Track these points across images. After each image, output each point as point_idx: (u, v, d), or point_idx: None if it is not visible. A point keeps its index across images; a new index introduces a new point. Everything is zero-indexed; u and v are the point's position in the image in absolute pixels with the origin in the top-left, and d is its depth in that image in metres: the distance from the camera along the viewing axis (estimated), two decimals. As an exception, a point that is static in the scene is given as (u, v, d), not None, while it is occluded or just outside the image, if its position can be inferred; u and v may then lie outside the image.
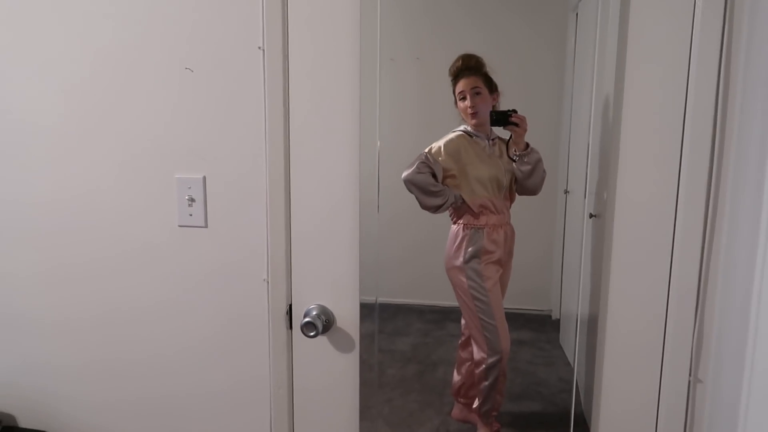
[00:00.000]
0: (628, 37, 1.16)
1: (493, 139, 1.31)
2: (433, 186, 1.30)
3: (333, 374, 1.38)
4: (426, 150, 1.30)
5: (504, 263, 1.33)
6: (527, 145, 1.27)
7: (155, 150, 1.37)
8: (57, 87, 1.39)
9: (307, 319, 1.30)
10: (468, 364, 1.38)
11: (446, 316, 1.41)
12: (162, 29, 1.32)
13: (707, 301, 1.18)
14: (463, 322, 1.37)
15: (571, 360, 1.32)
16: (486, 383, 1.35)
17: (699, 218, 1.17)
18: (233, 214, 1.36)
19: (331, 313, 1.35)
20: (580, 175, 1.25)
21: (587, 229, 1.26)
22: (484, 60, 1.26)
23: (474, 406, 1.38)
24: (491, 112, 1.27)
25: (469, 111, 1.29)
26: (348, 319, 1.35)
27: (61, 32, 1.37)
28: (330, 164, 1.30)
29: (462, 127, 1.31)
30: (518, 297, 1.35)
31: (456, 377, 1.40)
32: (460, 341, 1.39)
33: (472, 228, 1.32)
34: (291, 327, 1.38)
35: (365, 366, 1.35)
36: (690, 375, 1.22)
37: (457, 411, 1.41)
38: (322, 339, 1.37)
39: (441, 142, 1.31)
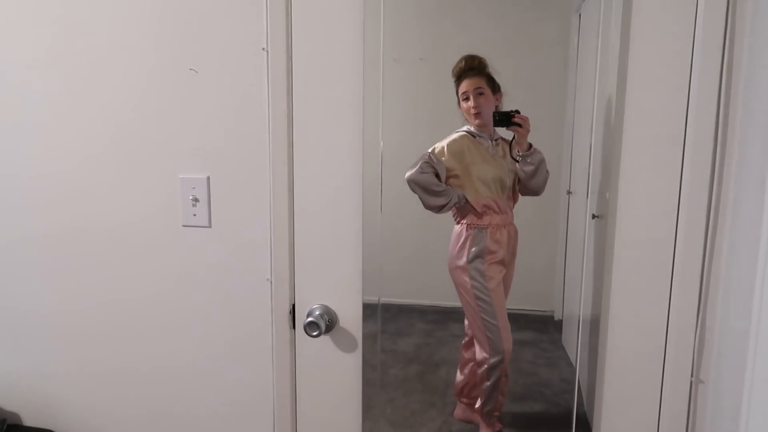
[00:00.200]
0: (631, 37, 1.16)
1: (496, 140, 1.31)
2: (436, 186, 1.30)
3: (336, 374, 1.38)
4: (429, 150, 1.31)
5: (507, 263, 1.33)
6: (530, 145, 1.27)
7: (159, 150, 1.37)
8: (60, 86, 1.40)
9: (310, 319, 1.31)
10: (471, 364, 1.38)
11: (449, 316, 1.41)
12: (166, 31, 1.32)
13: (709, 302, 1.18)
14: (466, 322, 1.37)
15: (573, 361, 1.32)
16: (488, 383, 1.35)
17: (701, 219, 1.17)
18: (237, 214, 1.36)
19: (334, 313, 1.36)
20: (582, 175, 1.25)
21: (590, 229, 1.26)
22: (486, 61, 1.26)
23: (476, 406, 1.39)
24: (494, 112, 1.27)
25: (473, 111, 1.29)
26: (351, 319, 1.35)
27: (64, 33, 1.37)
28: (333, 164, 1.30)
29: (465, 128, 1.32)
30: (521, 297, 1.35)
31: (459, 377, 1.41)
32: (463, 341, 1.39)
33: (475, 228, 1.32)
34: (294, 327, 1.38)
35: (368, 366, 1.36)
36: (692, 376, 1.22)
37: (459, 411, 1.41)
38: (325, 339, 1.37)
39: (444, 143, 1.31)
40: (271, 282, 1.36)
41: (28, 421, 1.59)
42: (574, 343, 1.30)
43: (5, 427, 1.53)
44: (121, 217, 1.42)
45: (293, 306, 1.37)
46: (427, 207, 1.31)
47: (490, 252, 1.32)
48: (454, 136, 1.32)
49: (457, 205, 1.32)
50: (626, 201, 1.21)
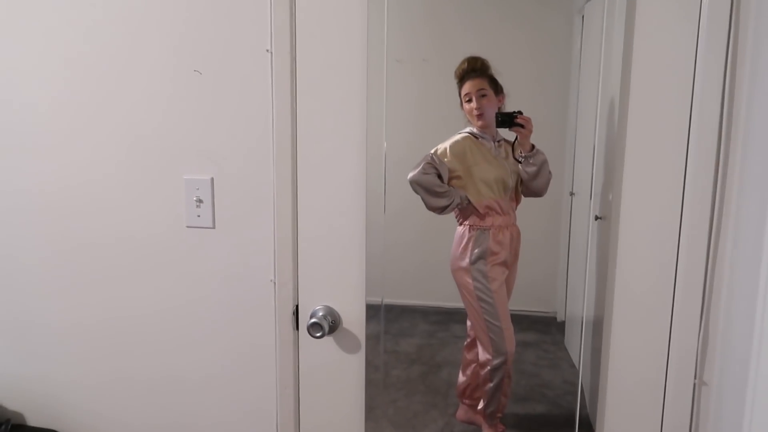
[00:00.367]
0: (634, 38, 1.16)
1: (498, 141, 1.31)
2: (438, 187, 1.30)
3: (339, 375, 1.38)
4: (432, 151, 1.31)
5: (510, 265, 1.33)
6: (533, 146, 1.27)
7: (164, 151, 1.38)
8: (64, 87, 1.41)
9: (313, 320, 1.31)
10: (473, 365, 1.38)
11: (451, 317, 1.41)
12: (170, 33, 1.33)
13: (713, 304, 1.18)
14: (468, 323, 1.37)
15: (576, 362, 1.32)
16: (491, 385, 1.35)
17: (705, 220, 1.17)
18: (241, 215, 1.37)
19: (338, 314, 1.36)
20: (585, 176, 1.25)
21: (592, 231, 1.26)
22: (489, 62, 1.27)
23: (479, 407, 1.38)
24: (497, 113, 1.27)
25: (475, 113, 1.29)
26: (354, 320, 1.35)
27: (70, 34, 1.38)
28: (337, 165, 1.30)
29: (468, 129, 1.32)
30: (523, 299, 1.35)
31: (461, 378, 1.41)
32: (465, 342, 1.39)
33: (477, 229, 1.32)
34: (297, 328, 1.39)
35: (370, 367, 1.36)
36: (695, 378, 1.22)
37: (461, 412, 1.41)
38: (328, 340, 1.37)
39: (447, 144, 1.31)
40: (275, 283, 1.37)
41: (33, 422, 1.59)
42: (577, 345, 1.29)
43: (9, 426, 1.54)
44: (125, 217, 1.43)
45: (296, 307, 1.38)
46: (430, 208, 1.31)
47: (492, 253, 1.32)
48: (457, 137, 1.32)
49: (459, 207, 1.32)
50: (629, 202, 1.21)
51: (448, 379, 1.42)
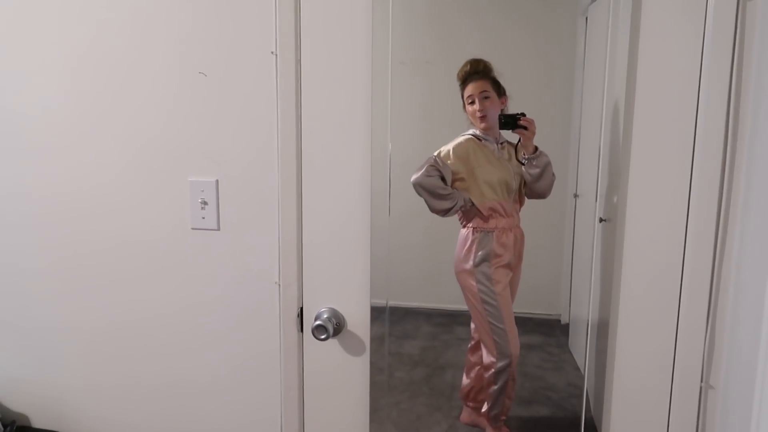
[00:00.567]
0: (640, 40, 1.16)
1: (501, 143, 1.31)
2: (442, 189, 1.30)
3: (343, 377, 1.38)
4: (435, 153, 1.31)
5: (513, 267, 1.33)
6: (536, 148, 1.27)
7: (169, 153, 1.39)
8: (69, 90, 1.42)
9: (318, 322, 1.31)
10: (477, 368, 1.38)
11: (454, 319, 1.41)
12: (175, 34, 1.34)
13: (719, 306, 1.17)
14: (472, 325, 1.37)
15: (579, 365, 1.32)
16: (495, 387, 1.35)
17: (711, 222, 1.16)
18: (245, 217, 1.37)
19: (342, 316, 1.36)
20: (589, 178, 1.25)
21: (597, 233, 1.25)
22: (491, 64, 1.27)
23: (483, 410, 1.38)
24: (500, 115, 1.27)
25: (478, 115, 1.29)
26: (358, 322, 1.35)
27: (74, 37, 1.39)
28: (342, 167, 1.31)
29: (470, 131, 1.32)
30: (527, 301, 1.35)
31: (465, 381, 1.40)
32: (469, 345, 1.39)
33: (481, 231, 1.32)
34: (302, 330, 1.39)
35: (374, 369, 1.36)
36: (701, 381, 1.21)
37: (465, 415, 1.40)
38: (332, 342, 1.37)
39: (450, 146, 1.31)
40: (279, 285, 1.37)
41: (37, 423, 1.60)
42: (581, 347, 1.29)
43: (15, 428, 1.55)
44: (129, 219, 1.44)
45: (301, 309, 1.38)
46: (433, 210, 1.31)
47: (496, 255, 1.31)
48: (460, 139, 1.32)
49: (462, 209, 1.32)
50: (635, 204, 1.20)
51: (452, 381, 1.41)
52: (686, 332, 1.20)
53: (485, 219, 1.31)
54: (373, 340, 1.35)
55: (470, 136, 1.32)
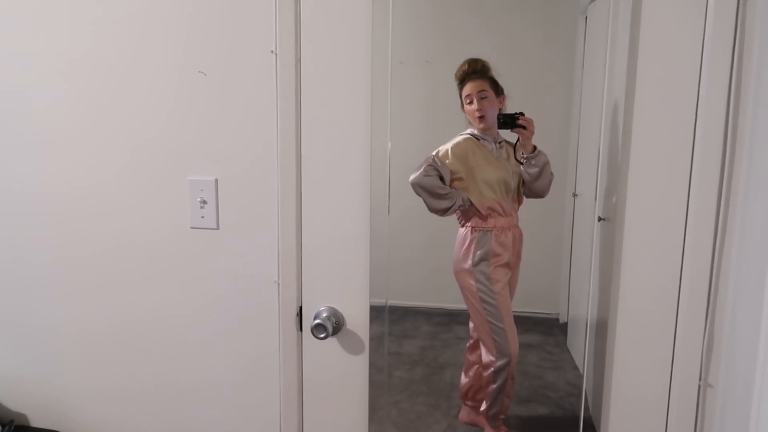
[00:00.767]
0: (640, 39, 1.16)
1: (500, 142, 1.31)
2: (440, 189, 1.30)
3: (342, 376, 1.38)
4: (433, 153, 1.31)
5: (512, 266, 1.33)
6: (534, 147, 1.27)
7: (168, 152, 1.39)
8: (69, 88, 1.42)
9: (317, 321, 1.31)
10: (476, 367, 1.38)
11: (453, 318, 1.41)
12: (174, 34, 1.34)
13: (718, 305, 1.17)
14: (471, 325, 1.37)
15: (578, 364, 1.32)
16: (494, 386, 1.35)
17: (710, 221, 1.16)
18: (245, 217, 1.37)
19: (341, 315, 1.36)
20: (588, 178, 1.25)
21: (596, 232, 1.25)
22: (489, 64, 1.27)
23: (481, 409, 1.38)
24: (499, 115, 1.27)
25: (476, 114, 1.30)
26: (358, 321, 1.35)
27: (74, 35, 1.39)
28: (341, 166, 1.31)
29: (469, 131, 1.32)
30: (526, 300, 1.35)
31: (464, 380, 1.40)
32: (468, 344, 1.39)
33: (480, 231, 1.32)
34: (301, 329, 1.39)
35: (374, 368, 1.36)
36: (700, 379, 1.21)
37: (464, 414, 1.41)
38: (331, 341, 1.37)
39: (448, 145, 1.32)
40: (279, 284, 1.37)
41: (36, 423, 1.60)
42: (580, 346, 1.29)
43: (13, 427, 1.55)
44: (129, 219, 1.43)
45: (300, 308, 1.38)
46: (432, 210, 1.32)
47: (495, 255, 1.31)
48: (458, 138, 1.32)
49: (461, 208, 1.32)
50: (635, 204, 1.20)
51: (451, 380, 1.41)
52: (685, 331, 1.20)
53: (484, 218, 1.31)
54: (372, 339, 1.35)
55: (468, 136, 1.32)
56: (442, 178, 1.30)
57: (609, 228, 1.24)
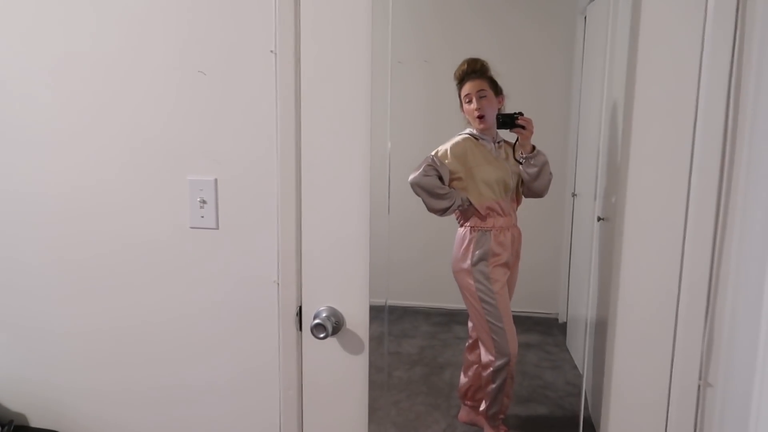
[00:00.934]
0: (639, 39, 1.16)
1: (499, 142, 1.31)
2: (439, 189, 1.30)
3: (342, 376, 1.38)
4: (432, 153, 1.31)
5: (511, 266, 1.33)
6: (533, 147, 1.27)
7: (168, 152, 1.39)
8: (67, 88, 1.41)
9: (317, 321, 1.31)
10: (475, 366, 1.38)
11: (453, 318, 1.41)
12: (174, 33, 1.34)
13: (718, 305, 1.17)
14: (470, 324, 1.37)
15: (578, 363, 1.32)
16: (493, 386, 1.35)
17: (709, 221, 1.16)
18: (244, 216, 1.37)
19: (341, 315, 1.36)
20: (587, 178, 1.25)
21: (595, 232, 1.25)
22: (488, 63, 1.27)
23: (481, 409, 1.38)
24: (498, 114, 1.27)
25: (475, 114, 1.30)
26: (358, 321, 1.35)
27: (73, 34, 1.39)
28: (341, 166, 1.31)
29: (468, 130, 1.32)
30: (525, 300, 1.35)
31: (463, 380, 1.40)
32: (467, 344, 1.39)
33: (479, 230, 1.32)
34: (301, 329, 1.39)
35: (373, 368, 1.36)
36: (700, 379, 1.21)
37: (463, 414, 1.41)
38: (331, 341, 1.37)
39: (447, 145, 1.32)
40: (278, 284, 1.37)
41: (35, 423, 1.60)
42: (579, 346, 1.29)
43: (12, 427, 1.55)
44: (129, 219, 1.43)
45: (300, 308, 1.38)
46: (431, 210, 1.32)
47: (494, 254, 1.32)
48: (457, 138, 1.32)
49: (460, 208, 1.32)
50: (634, 204, 1.20)
51: (450, 380, 1.41)
52: (685, 330, 1.20)
53: (483, 218, 1.31)
54: (371, 339, 1.35)
55: (467, 136, 1.32)
56: (441, 178, 1.30)
57: (608, 228, 1.24)
